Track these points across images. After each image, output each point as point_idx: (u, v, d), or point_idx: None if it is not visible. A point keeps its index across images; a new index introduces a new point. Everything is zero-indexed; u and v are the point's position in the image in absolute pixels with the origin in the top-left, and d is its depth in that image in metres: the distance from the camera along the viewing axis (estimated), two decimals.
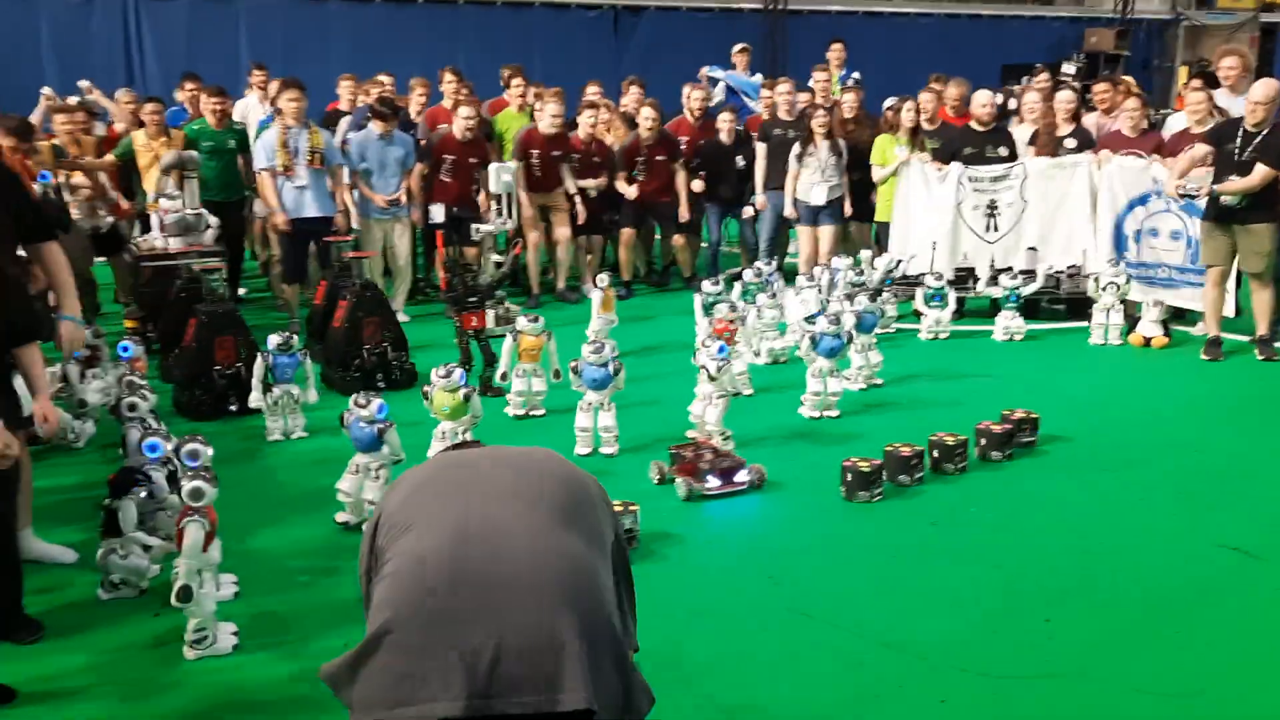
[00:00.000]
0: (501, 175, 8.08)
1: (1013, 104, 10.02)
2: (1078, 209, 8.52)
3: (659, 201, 9.69)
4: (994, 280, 8.37)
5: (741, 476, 4.98)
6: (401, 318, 8.13)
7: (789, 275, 8.84)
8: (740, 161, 9.79)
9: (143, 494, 4.08)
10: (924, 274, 8.40)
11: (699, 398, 5.70)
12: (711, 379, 5.51)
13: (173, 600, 3.49)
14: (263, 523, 4.71)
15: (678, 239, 9.92)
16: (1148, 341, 7.75)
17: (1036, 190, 8.59)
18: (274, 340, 5.71)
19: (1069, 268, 8.48)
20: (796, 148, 9.12)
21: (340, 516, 4.66)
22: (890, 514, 4.78)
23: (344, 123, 9.09)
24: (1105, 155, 8.38)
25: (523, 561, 1.93)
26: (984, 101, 8.84)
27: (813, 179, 9.13)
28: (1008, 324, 7.99)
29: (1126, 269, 8.03)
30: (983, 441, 5.44)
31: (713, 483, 4.92)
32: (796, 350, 6.51)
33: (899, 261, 8.52)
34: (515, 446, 2.44)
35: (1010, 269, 8.50)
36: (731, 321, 6.65)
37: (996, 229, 8.73)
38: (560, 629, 1.86)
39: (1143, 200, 8.18)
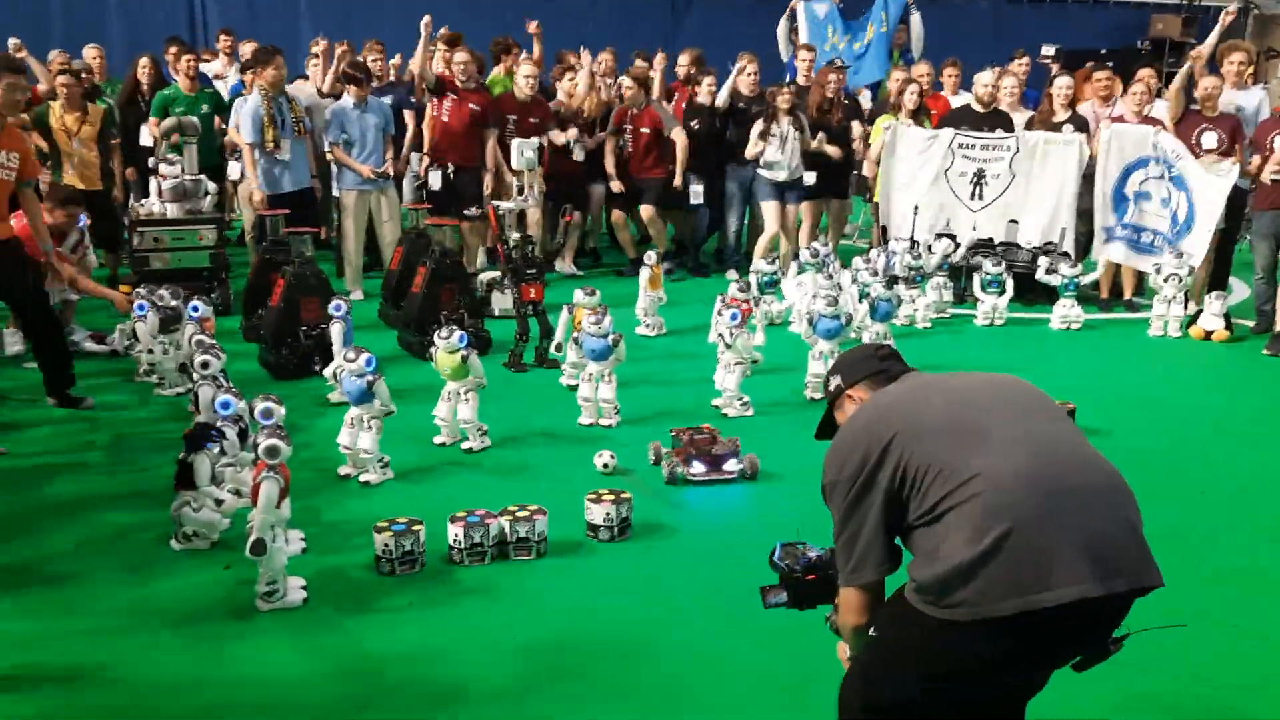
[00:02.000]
0: (524, 151, 7.98)
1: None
2: (1064, 188, 8.48)
3: (644, 176, 9.39)
4: (977, 251, 8.40)
5: (731, 465, 4.91)
6: (357, 295, 8.17)
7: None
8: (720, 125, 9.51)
9: (215, 450, 4.18)
10: (979, 256, 8.37)
11: (720, 366, 5.86)
12: (728, 347, 5.72)
13: (247, 553, 3.59)
14: (328, 482, 4.82)
15: (646, 209, 9.51)
16: (1209, 335, 7.66)
17: (1026, 164, 8.55)
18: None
19: (1045, 243, 8.42)
20: (759, 124, 8.85)
21: (342, 470, 4.85)
22: None
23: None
24: (1106, 122, 8.34)
25: (1088, 463, 2.25)
26: (986, 82, 8.79)
27: (776, 156, 8.87)
28: (1065, 313, 7.93)
29: (1124, 230, 8.24)
30: None
31: (697, 467, 4.87)
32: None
33: (956, 246, 8.47)
34: (948, 375, 2.56)
35: (990, 240, 8.57)
36: (745, 301, 6.65)
37: (981, 197, 8.68)
38: (1132, 518, 2.21)
39: (1141, 164, 8.15)
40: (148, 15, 13.45)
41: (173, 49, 9.52)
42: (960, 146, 8.63)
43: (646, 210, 9.44)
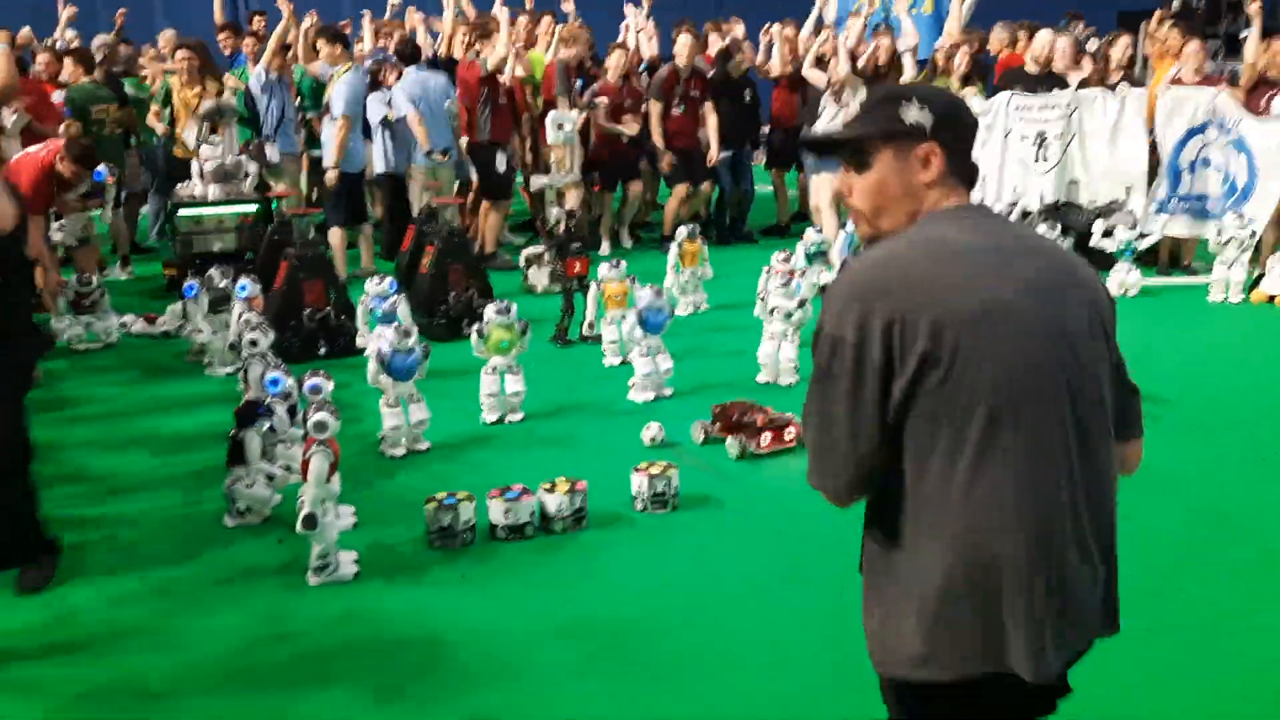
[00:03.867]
0: (561, 125, 7.89)
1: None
2: (1127, 142, 8.25)
3: (692, 146, 9.25)
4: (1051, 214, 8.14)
5: (791, 432, 4.86)
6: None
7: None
8: (747, 97, 9.40)
9: (266, 426, 4.20)
10: (1030, 214, 8.21)
11: (768, 339, 5.77)
12: (788, 316, 5.69)
13: (298, 528, 3.60)
14: (376, 458, 4.84)
15: (705, 186, 9.45)
16: (1272, 299, 7.44)
17: (1086, 119, 8.33)
18: (371, 285, 5.80)
19: (1110, 202, 8.18)
20: (828, 100, 8.58)
21: (394, 451, 4.85)
22: None
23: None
24: (1165, 84, 8.10)
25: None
26: (1044, 43, 8.55)
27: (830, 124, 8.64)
28: (1123, 278, 7.73)
29: (1180, 204, 7.95)
30: None
31: (765, 438, 4.80)
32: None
33: (1011, 206, 8.30)
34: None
35: (1056, 204, 8.36)
36: (790, 271, 6.57)
37: (1046, 159, 8.45)
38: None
39: (1199, 130, 7.90)
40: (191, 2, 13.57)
41: (228, 33, 9.62)
42: (1017, 109, 8.42)
43: (707, 187, 9.37)
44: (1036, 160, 8.47)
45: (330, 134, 7.99)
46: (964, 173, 1.83)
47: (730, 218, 9.84)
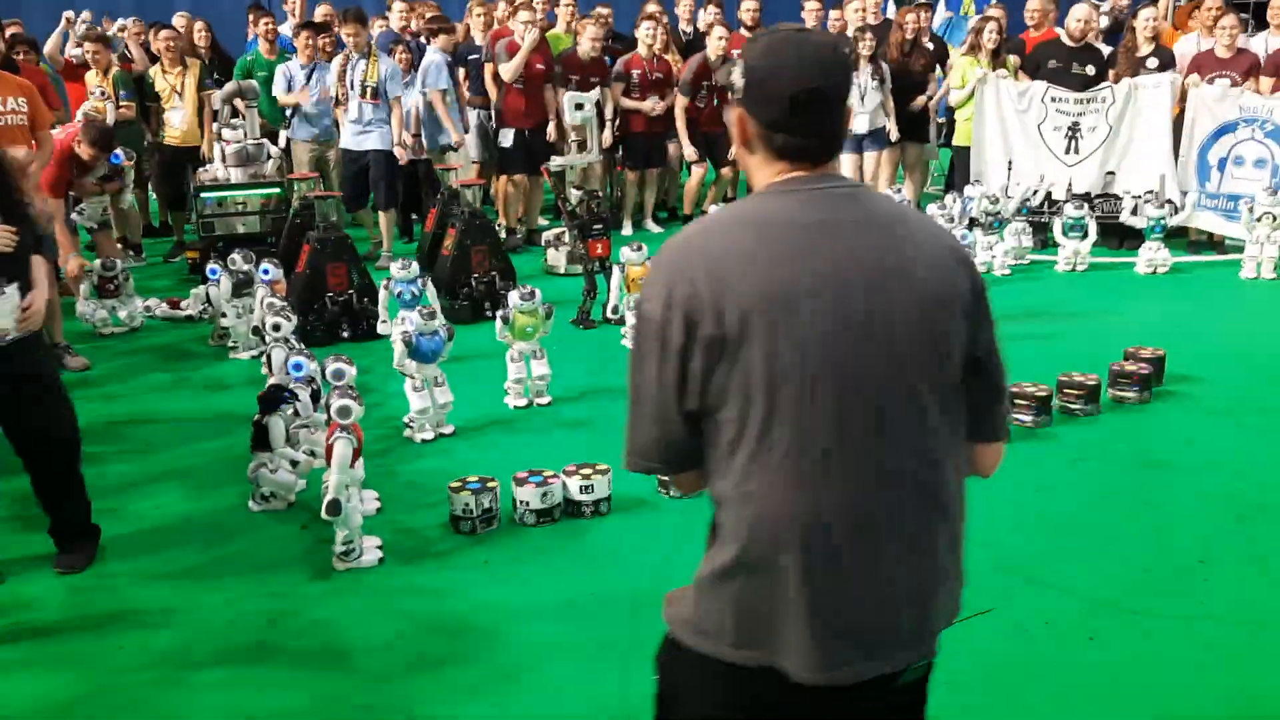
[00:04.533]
0: (579, 106, 7.77)
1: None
2: (1157, 132, 8.11)
3: (717, 131, 9.03)
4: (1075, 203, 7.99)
5: None
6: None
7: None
8: None
9: (290, 411, 4.20)
10: (1059, 201, 8.11)
11: None
12: None
13: (322, 514, 3.60)
14: (399, 443, 4.83)
15: (726, 171, 9.25)
16: None
17: (1119, 114, 8.20)
18: (396, 267, 5.78)
19: (1146, 192, 8.05)
20: None
21: (422, 436, 4.84)
22: (1020, 454, 4.61)
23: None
24: (1194, 80, 7.93)
25: None
26: (1080, 16, 8.40)
27: (860, 105, 8.51)
28: (1151, 256, 7.62)
29: (1210, 200, 7.86)
30: (1119, 382, 5.14)
31: None
32: None
33: (1034, 190, 8.19)
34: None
35: (1088, 195, 8.23)
36: None
37: (1077, 151, 8.34)
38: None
39: (1230, 128, 7.75)
40: None
41: (252, 14, 9.57)
42: (1053, 100, 8.30)
43: (727, 172, 9.20)
44: (1067, 152, 8.36)
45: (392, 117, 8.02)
46: (793, 143, 1.64)
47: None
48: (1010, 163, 8.41)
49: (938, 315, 1.60)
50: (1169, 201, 7.91)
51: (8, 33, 7.96)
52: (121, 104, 8.05)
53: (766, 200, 1.65)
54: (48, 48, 8.68)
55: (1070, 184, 8.35)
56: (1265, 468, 4.44)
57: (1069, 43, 8.45)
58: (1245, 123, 7.78)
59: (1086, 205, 7.93)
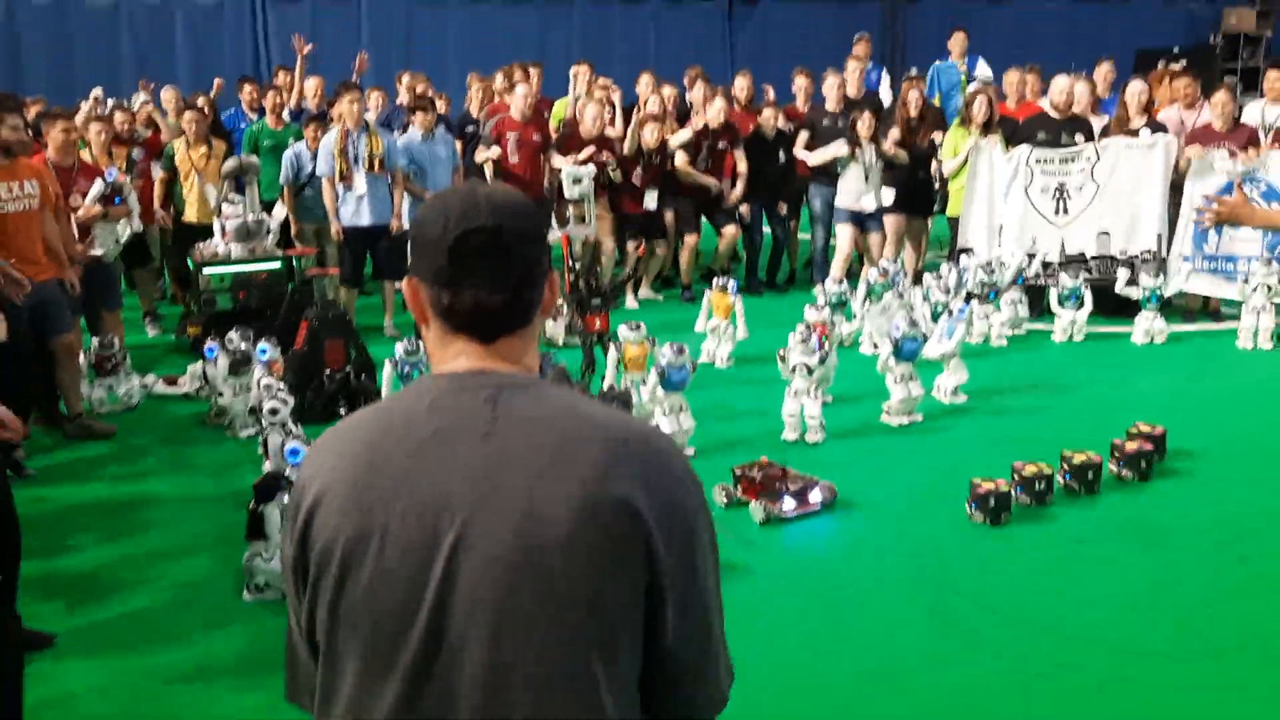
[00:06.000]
0: (578, 179, 7.84)
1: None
2: (1152, 192, 8.15)
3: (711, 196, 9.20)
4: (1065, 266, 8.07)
5: (815, 496, 4.78)
6: None
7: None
8: (783, 157, 9.32)
9: (286, 500, 4.17)
10: (1054, 265, 8.14)
11: (791, 396, 5.72)
12: (810, 372, 5.66)
13: None
14: None
15: (730, 229, 9.29)
16: None
17: (1108, 172, 8.22)
18: (401, 348, 5.78)
19: (1143, 253, 8.09)
20: (843, 146, 8.59)
21: None
22: (1022, 534, 4.58)
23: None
24: (1194, 152, 7.96)
25: None
26: (1062, 88, 8.50)
27: (858, 186, 8.66)
28: (1148, 326, 7.64)
29: (1207, 263, 7.89)
30: (1117, 458, 5.11)
31: (789, 504, 4.72)
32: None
33: (1030, 258, 8.22)
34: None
35: (1083, 256, 8.24)
36: (824, 323, 6.53)
37: (1066, 212, 8.36)
38: None
39: (1226, 190, 7.77)
40: (215, 55, 13.78)
41: (247, 86, 9.69)
42: (1038, 162, 8.36)
43: (732, 230, 9.28)
44: (1056, 213, 8.40)
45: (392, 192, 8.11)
46: (459, 304, 1.39)
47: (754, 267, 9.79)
48: (1001, 227, 8.43)
49: (576, 569, 1.30)
50: (1163, 260, 7.95)
51: (32, 111, 8.00)
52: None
53: (405, 397, 1.45)
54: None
55: (1063, 245, 8.38)
56: (1265, 533, 4.41)
57: (1055, 115, 8.55)
58: (1248, 181, 7.77)
59: (1082, 269, 7.97)
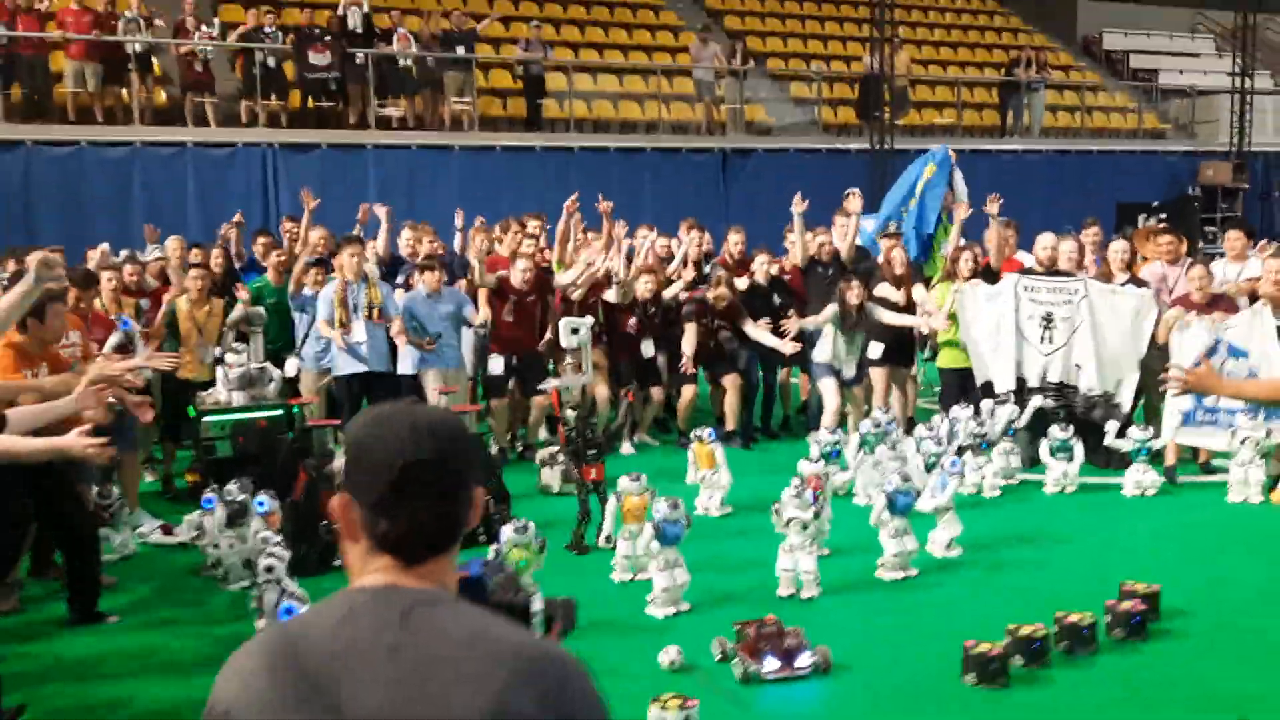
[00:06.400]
0: (575, 329, 8.03)
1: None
2: (1125, 338, 8.33)
3: (709, 353, 9.35)
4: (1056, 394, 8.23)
5: (804, 660, 4.70)
6: None
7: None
8: (776, 300, 9.50)
9: None
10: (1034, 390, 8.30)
11: (785, 551, 5.73)
12: (804, 527, 5.65)
13: None
14: None
15: (731, 380, 9.38)
16: None
17: (1089, 309, 8.41)
18: None
19: (1103, 393, 8.26)
20: (835, 313, 8.72)
21: None
22: (1016, 700, 4.55)
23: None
24: (1178, 311, 8.10)
25: None
26: (1047, 244, 8.73)
27: (839, 350, 8.81)
28: (1139, 478, 7.70)
29: (1207, 414, 7.89)
30: (1112, 620, 5.08)
31: (771, 664, 4.66)
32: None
33: (1021, 411, 8.34)
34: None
35: (1062, 385, 8.39)
36: (818, 476, 6.55)
37: (1051, 341, 8.51)
38: None
39: (1210, 353, 7.83)
40: (225, 203, 14.17)
41: (261, 240, 9.87)
42: (1026, 289, 8.56)
43: (734, 380, 9.37)
44: (1042, 341, 8.54)
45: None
46: (394, 531, 1.46)
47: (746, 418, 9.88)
48: (996, 347, 8.54)
49: None
50: (1116, 406, 8.12)
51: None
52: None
53: (319, 611, 1.49)
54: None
55: (1045, 371, 8.48)
56: (1257, 702, 4.38)
57: (1039, 270, 8.78)
58: (1223, 345, 7.87)
59: (1054, 393, 8.16)
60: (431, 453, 1.45)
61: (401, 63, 16.09)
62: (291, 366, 8.36)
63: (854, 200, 11.37)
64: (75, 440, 3.93)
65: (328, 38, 15.45)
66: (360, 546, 1.50)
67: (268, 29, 15.35)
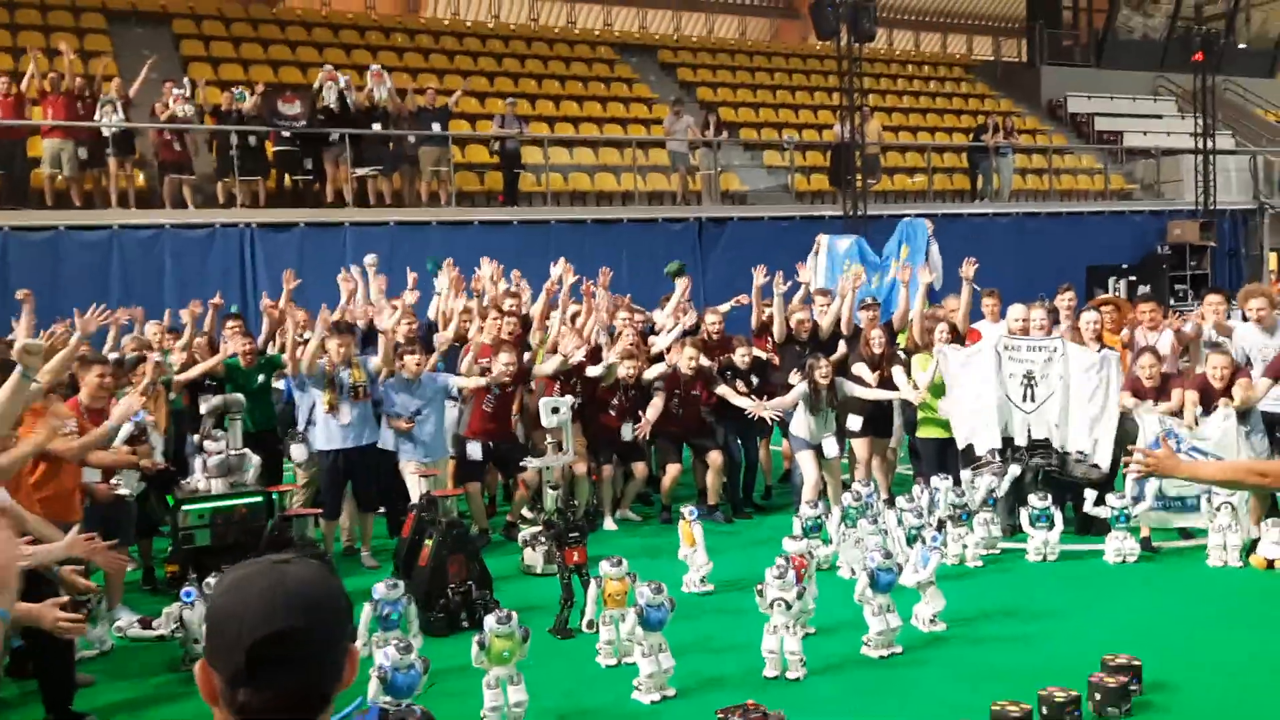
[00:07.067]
0: (555, 409, 8.08)
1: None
2: (1095, 400, 8.40)
3: (689, 428, 9.51)
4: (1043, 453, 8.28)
5: None
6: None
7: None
8: (755, 381, 9.60)
9: None
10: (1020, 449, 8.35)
11: (770, 632, 5.71)
12: (788, 607, 5.64)
13: None
14: None
15: (714, 456, 9.41)
16: (1270, 564, 7.43)
17: (1064, 368, 8.50)
18: (381, 587, 5.80)
19: (1077, 452, 8.33)
20: (805, 391, 8.78)
21: None
22: None
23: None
24: (1131, 401, 8.23)
25: None
26: (1018, 315, 8.83)
27: (821, 429, 8.88)
28: (1119, 545, 7.74)
29: (1168, 501, 8.06)
30: (1096, 697, 5.09)
31: None
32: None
33: (999, 481, 8.37)
34: None
35: (1047, 442, 8.44)
36: (803, 555, 6.47)
37: (1033, 399, 8.58)
38: None
39: (1172, 434, 7.85)
40: (203, 284, 14.19)
41: (230, 324, 9.82)
42: (1006, 348, 8.64)
43: (716, 456, 9.40)
44: (1024, 399, 8.59)
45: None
46: (256, 701, 1.41)
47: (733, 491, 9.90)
48: (986, 407, 8.56)
49: None
50: (1095, 466, 8.16)
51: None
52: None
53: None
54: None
55: (1029, 430, 8.53)
56: None
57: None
58: (1170, 436, 7.78)
59: (1042, 451, 8.24)
60: (285, 622, 1.38)
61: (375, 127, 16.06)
62: (299, 452, 8.29)
63: (803, 270, 11.51)
64: (49, 613, 3.77)
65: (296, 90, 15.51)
66: (222, 714, 1.44)
67: (236, 91, 15.37)
